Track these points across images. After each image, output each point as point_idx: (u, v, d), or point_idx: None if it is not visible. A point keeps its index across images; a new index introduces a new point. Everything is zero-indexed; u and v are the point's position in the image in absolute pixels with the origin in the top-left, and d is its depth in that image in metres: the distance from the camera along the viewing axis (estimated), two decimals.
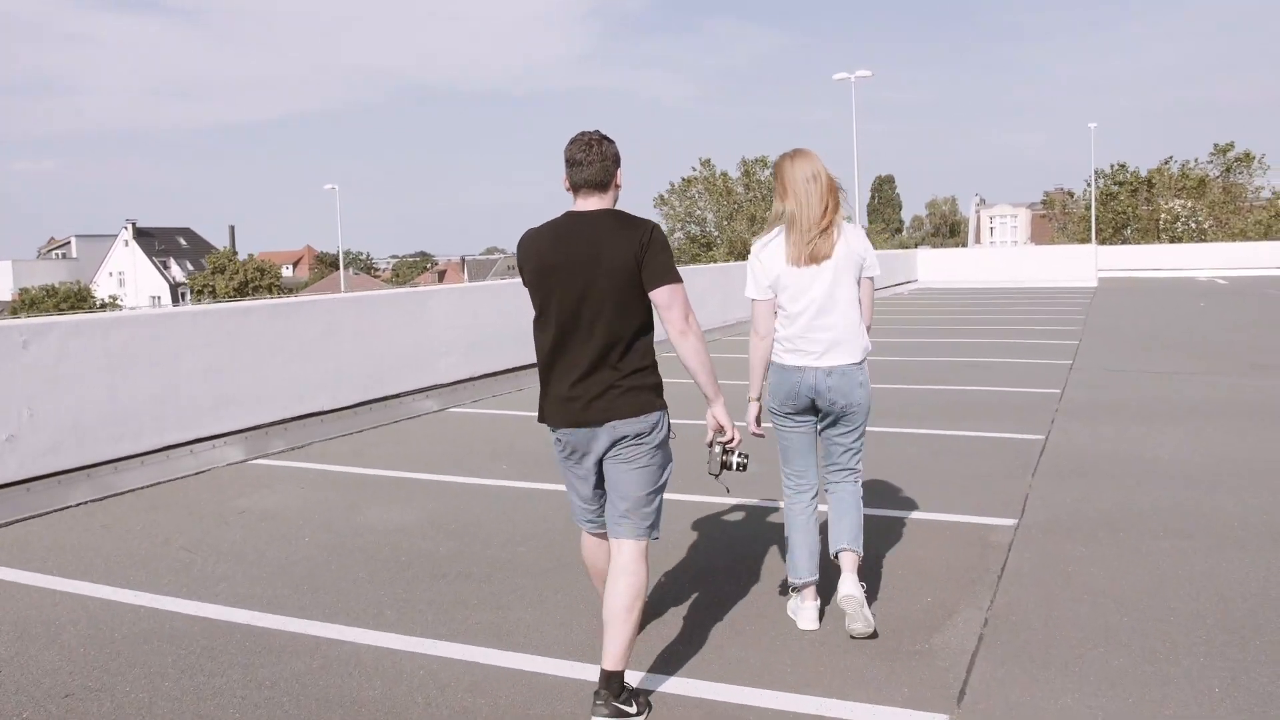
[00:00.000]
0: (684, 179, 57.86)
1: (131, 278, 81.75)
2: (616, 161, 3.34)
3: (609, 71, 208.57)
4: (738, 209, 55.74)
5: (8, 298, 65.01)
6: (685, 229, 57.87)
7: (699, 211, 58.11)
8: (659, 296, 3.23)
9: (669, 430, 3.36)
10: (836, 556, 3.93)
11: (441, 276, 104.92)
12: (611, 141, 3.34)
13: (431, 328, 9.42)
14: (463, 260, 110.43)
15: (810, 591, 3.95)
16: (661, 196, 57.71)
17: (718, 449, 3.51)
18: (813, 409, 3.95)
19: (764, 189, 55.32)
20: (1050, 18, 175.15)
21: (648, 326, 3.30)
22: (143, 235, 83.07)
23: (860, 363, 3.90)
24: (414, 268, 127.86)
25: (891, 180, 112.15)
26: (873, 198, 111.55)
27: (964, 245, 79.06)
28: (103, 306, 58.45)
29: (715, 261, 47.72)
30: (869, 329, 3.93)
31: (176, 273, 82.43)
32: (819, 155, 3.88)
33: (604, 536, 3.45)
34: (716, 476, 3.59)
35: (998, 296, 25.10)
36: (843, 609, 3.81)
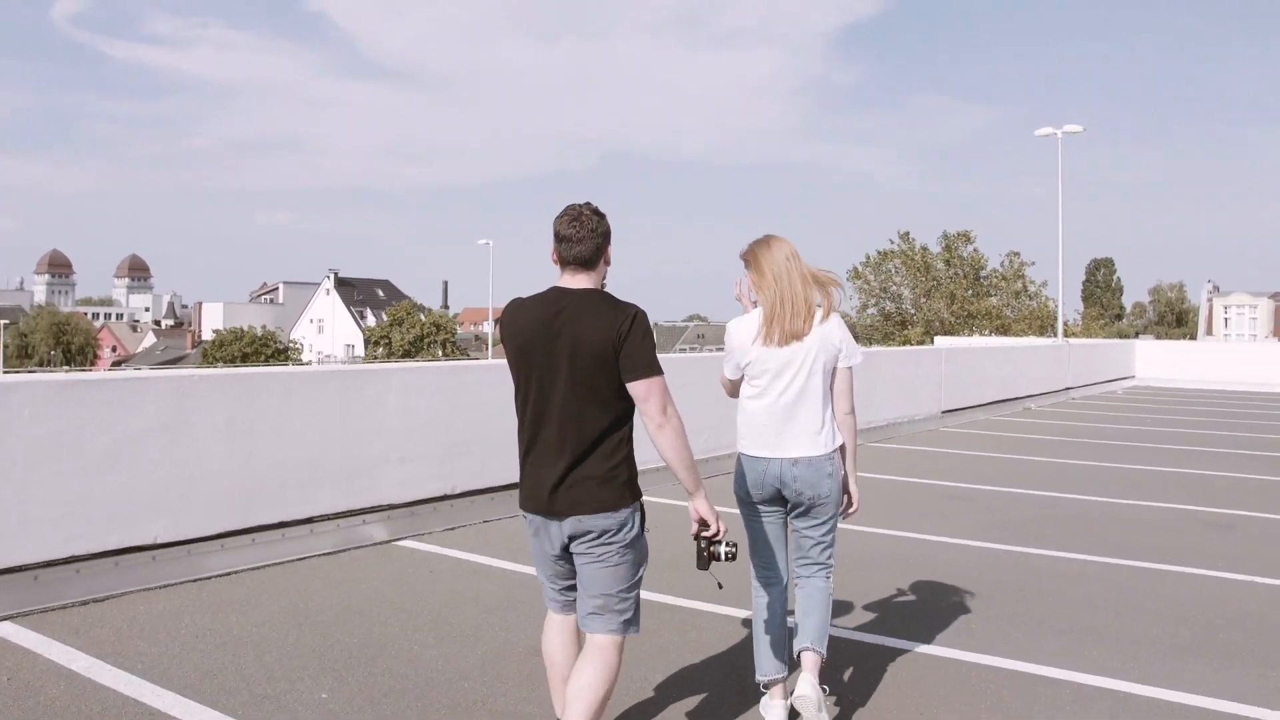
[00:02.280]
0: (880, 252, 54.21)
1: (330, 325, 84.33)
2: (607, 238, 3.26)
3: (813, 145, 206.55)
4: (936, 286, 51.60)
5: (210, 335, 67.83)
6: (880, 305, 54.12)
7: (894, 287, 54.24)
8: (636, 389, 3.13)
9: (642, 527, 3.28)
10: (799, 655, 3.87)
11: None
12: (603, 216, 3.26)
13: (373, 420, 6.61)
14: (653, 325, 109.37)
15: (779, 690, 3.89)
16: (856, 269, 54.20)
17: (703, 542, 3.30)
18: (780, 499, 3.91)
19: (966, 266, 51.29)
20: None
21: (627, 416, 3.21)
22: (343, 284, 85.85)
23: (829, 454, 3.85)
24: None
25: (1110, 263, 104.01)
26: (1088, 280, 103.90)
27: (1193, 337, 70.97)
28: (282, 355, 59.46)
29: (909, 343, 43.88)
30: (851, 416, 3.92)
31: (371, 322, 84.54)
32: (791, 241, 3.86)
33: (572, 614, 3.34)
34: (706, 569, 3.34)
35: (1236, 402, 20.30)
36: (797, 709, 3.75)
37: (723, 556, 3.32)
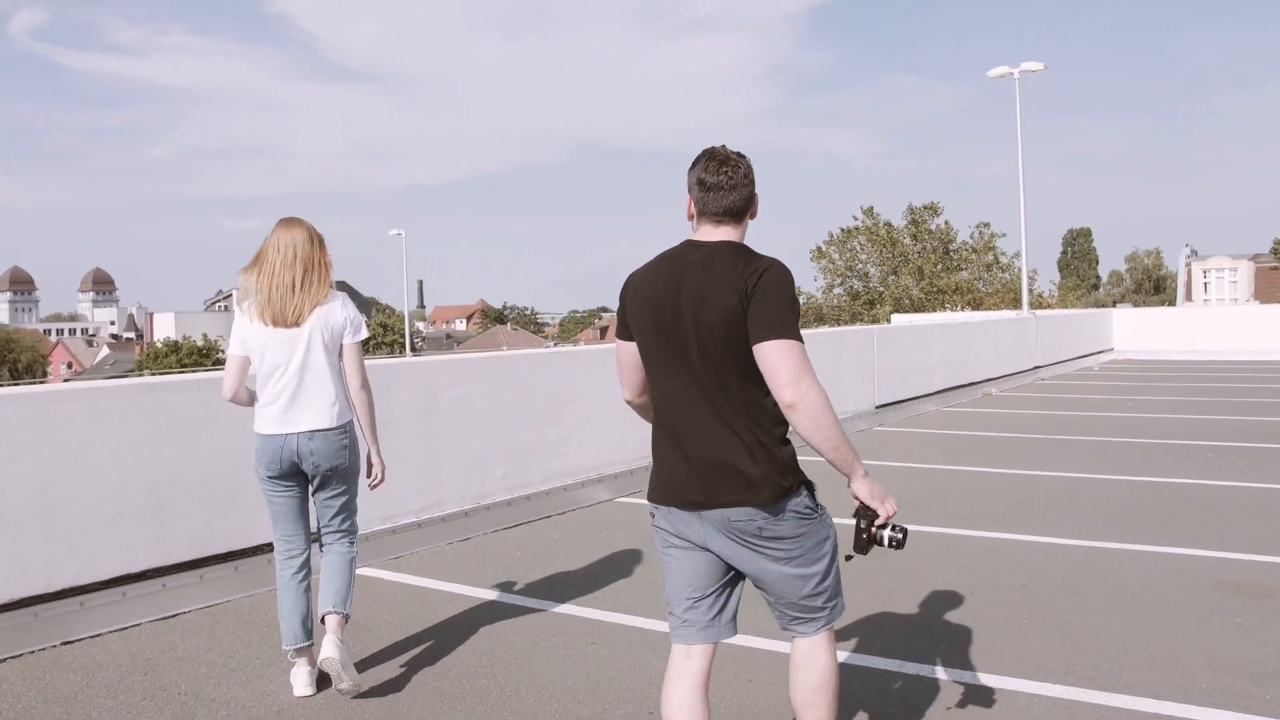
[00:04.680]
0: (844, 229, 52.02)
1: None
2: (755, 185, 2.91)
3: (786, 129, 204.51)
4: (904, 261, 49.56)
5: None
6: (846, 284, 52.00)
7: (860, 265, 52.12)
8: (760, 353, 2.67)
9: (814, 508, 2.85)
10: (323, 619, 4.08)
11: (603, 334, 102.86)
12: (748, 159, 2.89)
13: None
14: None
15: (305, 657, 4.15)
16: (819, 249, 52.07)
17: (864, 522, 2.85)
18: (299, 473, 4.10)
19: (934, 239, 49.40)
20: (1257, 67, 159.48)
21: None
22: None
23: (341, 427, 4.09)
24: (581, 323, 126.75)
25: (1088, 233, 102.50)
26: (1065, 251, 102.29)
27: (1172, 304, 68.99)
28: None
29: (877, 321, 41.81)
30: (364, 392, 4.16)
31: None
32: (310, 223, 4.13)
33: (705, 650, 2.88)
34: (865, 554, 2.87)
35: (1224, 374, 18.07)
36: (326, 671, 3.95)
37: (886, 542, 2.85)
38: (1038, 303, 45.86)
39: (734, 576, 2.89)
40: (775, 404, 2.69)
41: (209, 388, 5.47)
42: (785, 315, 2.65)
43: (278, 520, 4.19)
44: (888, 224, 50.42)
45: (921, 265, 49.01)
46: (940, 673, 4.27)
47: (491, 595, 5.59)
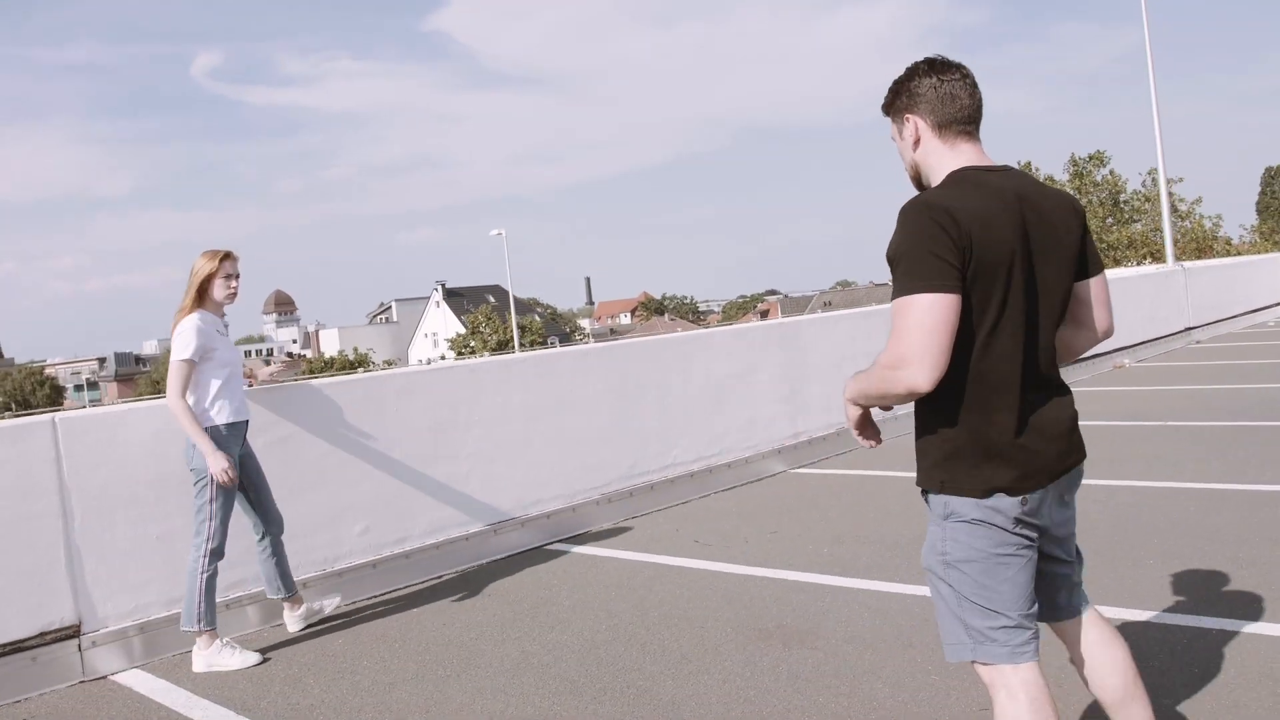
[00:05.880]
0: None
1: (445, 337, 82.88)
2: None
3: None
4: None
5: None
6: None
7: None
8: (1099, 286, 2.55)
9: None
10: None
11: (764, 315, 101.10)
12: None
13: None
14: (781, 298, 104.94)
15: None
16: None
17: None
18: None
19: (1101, 191, 45.23)
20: None
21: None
22: (452, 295, 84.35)
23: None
24: (742, 308, 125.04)
25: None
26: (1264, 192, 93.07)
27: None
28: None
29: None
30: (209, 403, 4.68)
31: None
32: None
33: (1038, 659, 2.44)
34: None
35: None
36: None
37: None
38: (1227, 249, 41.08)
39: None
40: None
41: None
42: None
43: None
44: (1048, 178, 46.62)
45: (1088, 220, 44.82)
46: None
47: None
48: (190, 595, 4.66)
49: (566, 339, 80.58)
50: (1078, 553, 2.57)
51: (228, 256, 4.82)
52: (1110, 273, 15.38)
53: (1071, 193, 45.52)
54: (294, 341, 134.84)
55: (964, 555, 2.34)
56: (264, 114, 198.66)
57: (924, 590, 4.87)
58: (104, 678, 4.73)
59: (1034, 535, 2.38)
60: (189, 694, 4.43)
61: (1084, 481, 2.52)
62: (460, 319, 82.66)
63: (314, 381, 5.75)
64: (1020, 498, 2.32)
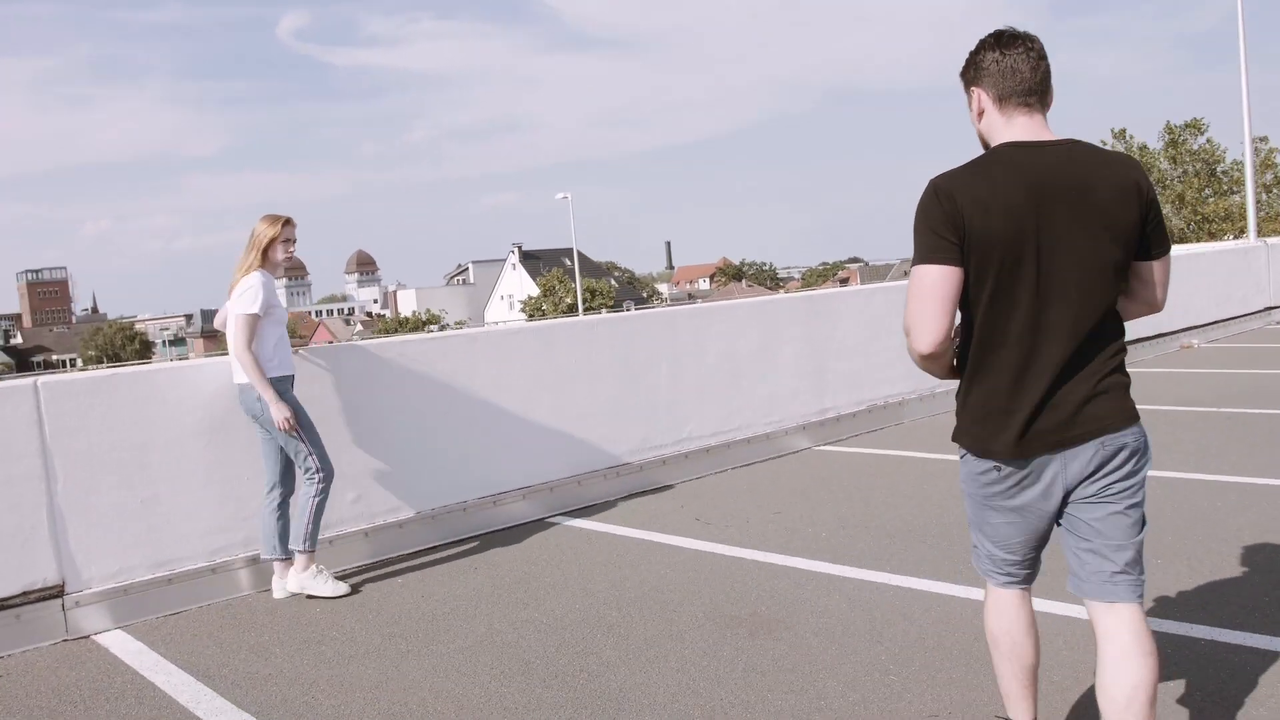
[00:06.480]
0: None
1: (519, 299, 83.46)
2: None
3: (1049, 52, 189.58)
4: (1162, 187, 43.69)
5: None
6: None
7: None
8: (1161, 269, 2.58)
9: None
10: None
11: (844, 283, 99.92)
12: None
13: None
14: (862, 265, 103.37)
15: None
16: None
17: None
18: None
19: (1197, 161, 43.44)
20: None
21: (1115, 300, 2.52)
22: (528, 258, 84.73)
23: (248, 383, 4.90)
24: (823, 275, 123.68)
25: None
26: None
27: None
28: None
29: None
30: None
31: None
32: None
33: (1025, 592, 2.71)
34: None
35: None
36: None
37: None
38: None
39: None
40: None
41: None
42: None
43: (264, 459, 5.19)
44: (1142, 146, 44.78)
45: (1183, 191, 42.97)
46: None
47: None
48: (301, 517, 5.04)
49: (643, 303, 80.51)
50: (1138, 556, 2.52)
51: (288, 222, 5.12)
52: (1182, 248, 14.70)
53: (1166, 164, 43.78)
54: (375, 301, 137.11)
55: (965, 489, 2.68)
56: (348, 75, 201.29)
57: (909, 582, 4.68)
58: (86, 637, 4.79)
59: (1030, 500, 2.52)
60: (158, 657, 4.46)
61: None
62: (535, 281, 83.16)
63: (309, 348, 5.72)
64: (994, 464, 2.51)
